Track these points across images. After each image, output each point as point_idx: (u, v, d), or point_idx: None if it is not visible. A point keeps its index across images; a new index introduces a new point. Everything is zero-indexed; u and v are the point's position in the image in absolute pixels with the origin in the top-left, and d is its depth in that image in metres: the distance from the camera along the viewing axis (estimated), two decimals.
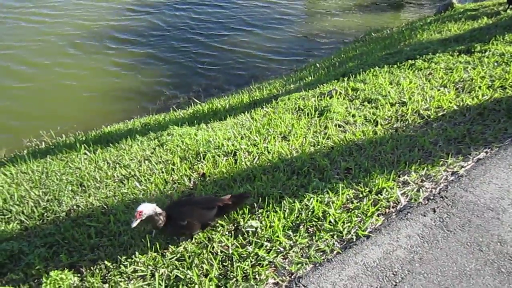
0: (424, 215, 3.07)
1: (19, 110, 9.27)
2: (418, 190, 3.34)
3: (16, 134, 8.24)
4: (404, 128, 4.29)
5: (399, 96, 4.98)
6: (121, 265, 2.92)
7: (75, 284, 2.86)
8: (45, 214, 3.72)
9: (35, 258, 3.10)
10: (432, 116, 4.41)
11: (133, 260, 2.95)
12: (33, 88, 9.98)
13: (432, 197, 3.25)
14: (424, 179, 3.48)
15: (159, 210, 2.81)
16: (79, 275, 2.95)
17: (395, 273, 2.63)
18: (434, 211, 3.10)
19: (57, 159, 4.95)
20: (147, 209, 2.74)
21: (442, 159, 3.66)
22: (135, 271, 2.88)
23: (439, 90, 4.96)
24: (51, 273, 2.84)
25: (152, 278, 2.79)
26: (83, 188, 4.07)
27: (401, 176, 3.53)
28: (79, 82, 10.27)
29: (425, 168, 3.57)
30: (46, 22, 13.55)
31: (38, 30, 13.03)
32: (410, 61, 6.13)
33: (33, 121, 8.74)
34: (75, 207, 3.74)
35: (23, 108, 9.33)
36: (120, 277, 2.85)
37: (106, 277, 2.88)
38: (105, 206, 3.67)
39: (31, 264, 3.07)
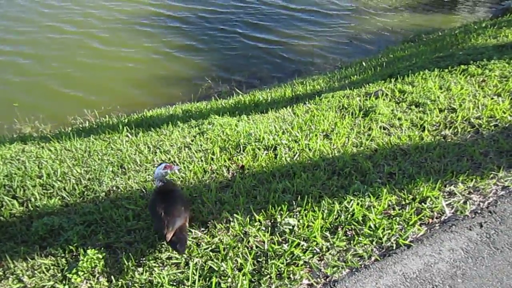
0: (470, 229, 2.94)
1: (65, 88, 9.56)
2: (464, 202, 3.20)
3: (61, 111, 8.48)
4: (452, 136, 4.12)
5: (448, 102, 4.79)
6: (156, 251, 2.95)
7: (110, 265, 2.90)
8: (86, 192, 3.80)
9: (74, 235, 3.17)
10: (483, 126, 4.22)
11: (168, 247, 2.97)
12: (80, 69, 10.27)
13: (479, 211, 3.11)
14: (472, 191, 3.33)
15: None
16: (114, 255, 2.99)
17: (435, 287, 2.53)
18: (481, 226, 2.96)
19: (100, 139, 5.04)
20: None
21: (493, 172, 3.48)
22: (169, 258, 2.90)
23: (492, 98, 4.73)
24: (88, 251, 2.89)
25: (186, 267, 2.80)
26: (123, 170, 4.13)
27: (447, 186, 3.39)
28: (125, 66, 10.50)
29: (474, 180, 3.41)
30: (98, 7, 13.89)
31: (88, 14, 13.37)
32: (462, 66, 5.86)
33: (78, 100, 8.99)
34: (114, 188, 3.80)
35: (69, 87, 9.60)
36: (154, 262, 2.87)
37: (141, 261, 2.90)
38: (144, 190, 3.71)
39: (70, 240, 3.14)
